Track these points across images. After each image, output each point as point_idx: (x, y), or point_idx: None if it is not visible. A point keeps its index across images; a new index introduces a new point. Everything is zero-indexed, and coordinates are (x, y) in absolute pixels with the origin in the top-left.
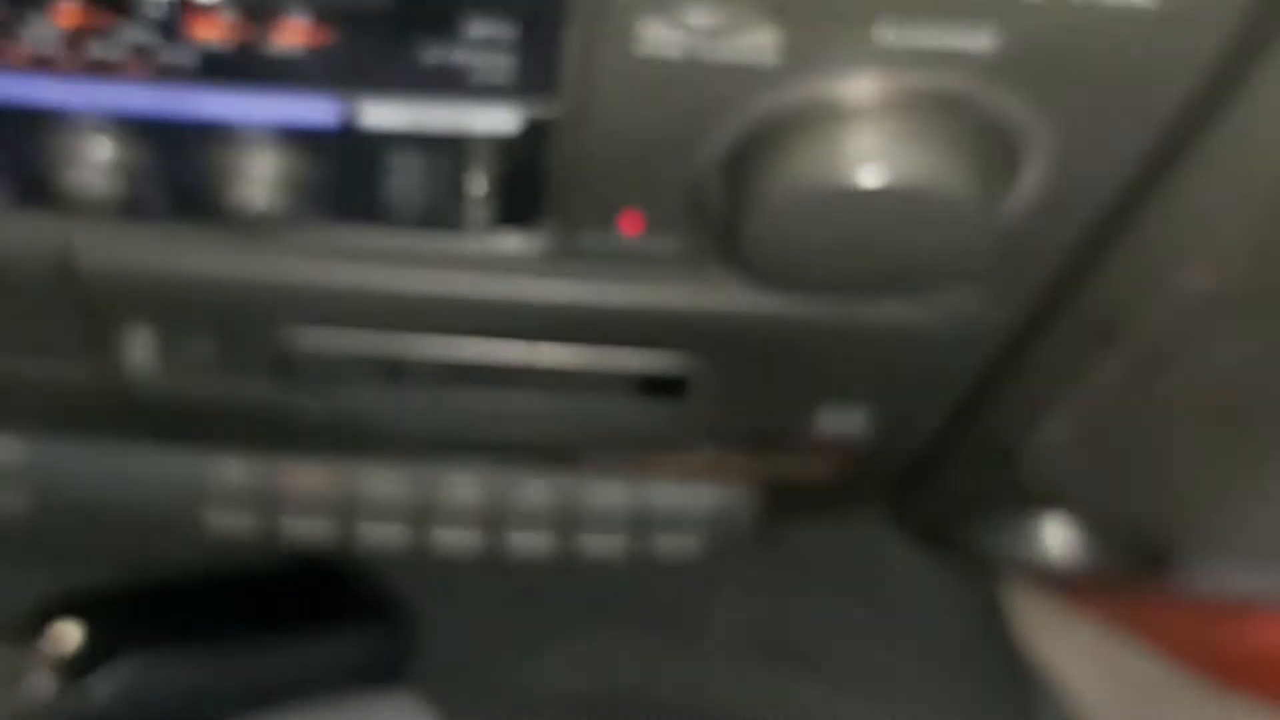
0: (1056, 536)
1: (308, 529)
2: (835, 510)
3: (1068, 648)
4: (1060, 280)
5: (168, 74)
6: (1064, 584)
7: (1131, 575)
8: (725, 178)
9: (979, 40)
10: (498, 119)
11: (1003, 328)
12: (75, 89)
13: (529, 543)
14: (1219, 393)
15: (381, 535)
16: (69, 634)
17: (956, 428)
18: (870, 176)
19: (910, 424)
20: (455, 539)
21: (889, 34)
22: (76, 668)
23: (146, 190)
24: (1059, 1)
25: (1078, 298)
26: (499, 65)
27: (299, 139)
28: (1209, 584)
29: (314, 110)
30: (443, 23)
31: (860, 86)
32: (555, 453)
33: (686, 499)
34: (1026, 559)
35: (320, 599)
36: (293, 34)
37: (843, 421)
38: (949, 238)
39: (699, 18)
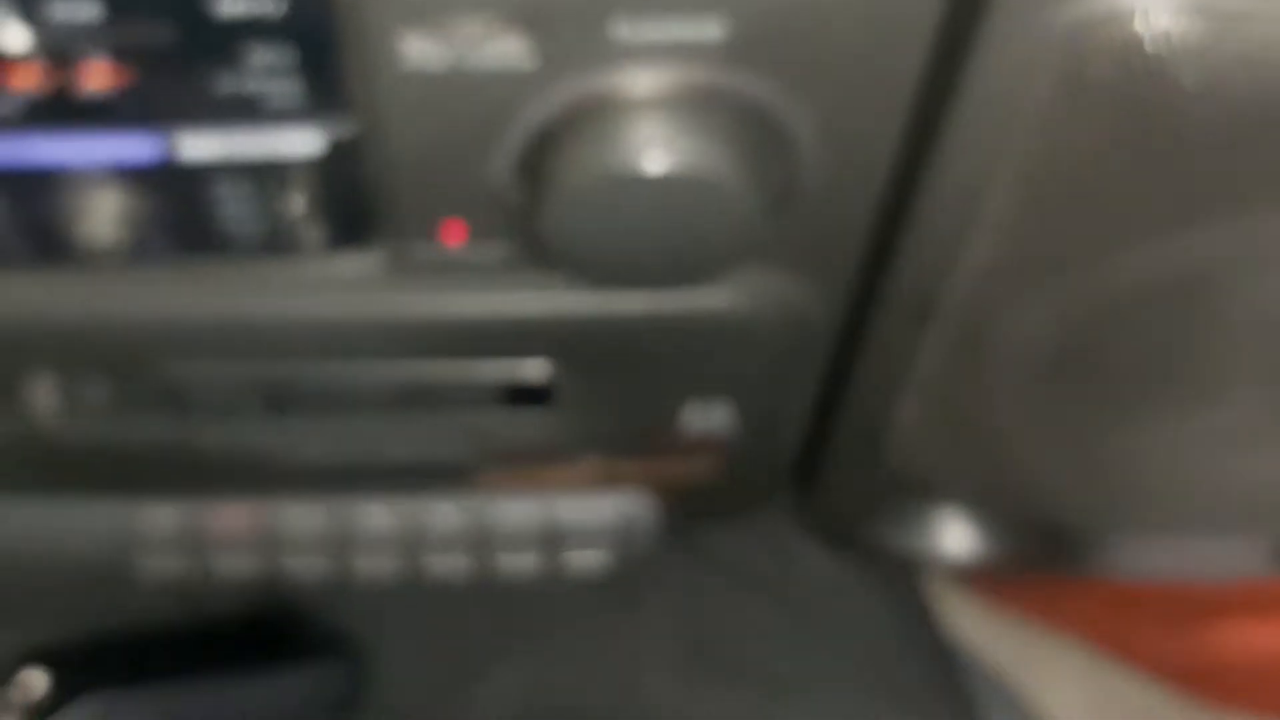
0: (954, 529)
1: (237, 566)
2: (738, 513)
3: (1040, 663)
4: (871, 263)
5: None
6: (983, 578)
7: (1041, 564)
8: (521, 179)
9: (708, 30)
10: (301, 142)
11: (831, 314)
12: None
13: (444, 564)
14: (1047, 362)
15: (306, 567)
16: (36, 681)
17: (826, 419)
18: (644, 163)
19: (774, 416)
20: (375, 565)
21: (623, 31)
22: (43, 712)
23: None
24: None
25: (890, 279)
26: (288, 90)
27: (129, 176)
28: (1125, 566)
29: (135, 148)
30: (225, 53)
31: (620, 82)
32: (446, 473)
33: (589, 511)
34: (927, 554)
35: (275, 641)
36: (98, 76)
37: (707, 418)
38: (722, 219)
39: (453, 30)
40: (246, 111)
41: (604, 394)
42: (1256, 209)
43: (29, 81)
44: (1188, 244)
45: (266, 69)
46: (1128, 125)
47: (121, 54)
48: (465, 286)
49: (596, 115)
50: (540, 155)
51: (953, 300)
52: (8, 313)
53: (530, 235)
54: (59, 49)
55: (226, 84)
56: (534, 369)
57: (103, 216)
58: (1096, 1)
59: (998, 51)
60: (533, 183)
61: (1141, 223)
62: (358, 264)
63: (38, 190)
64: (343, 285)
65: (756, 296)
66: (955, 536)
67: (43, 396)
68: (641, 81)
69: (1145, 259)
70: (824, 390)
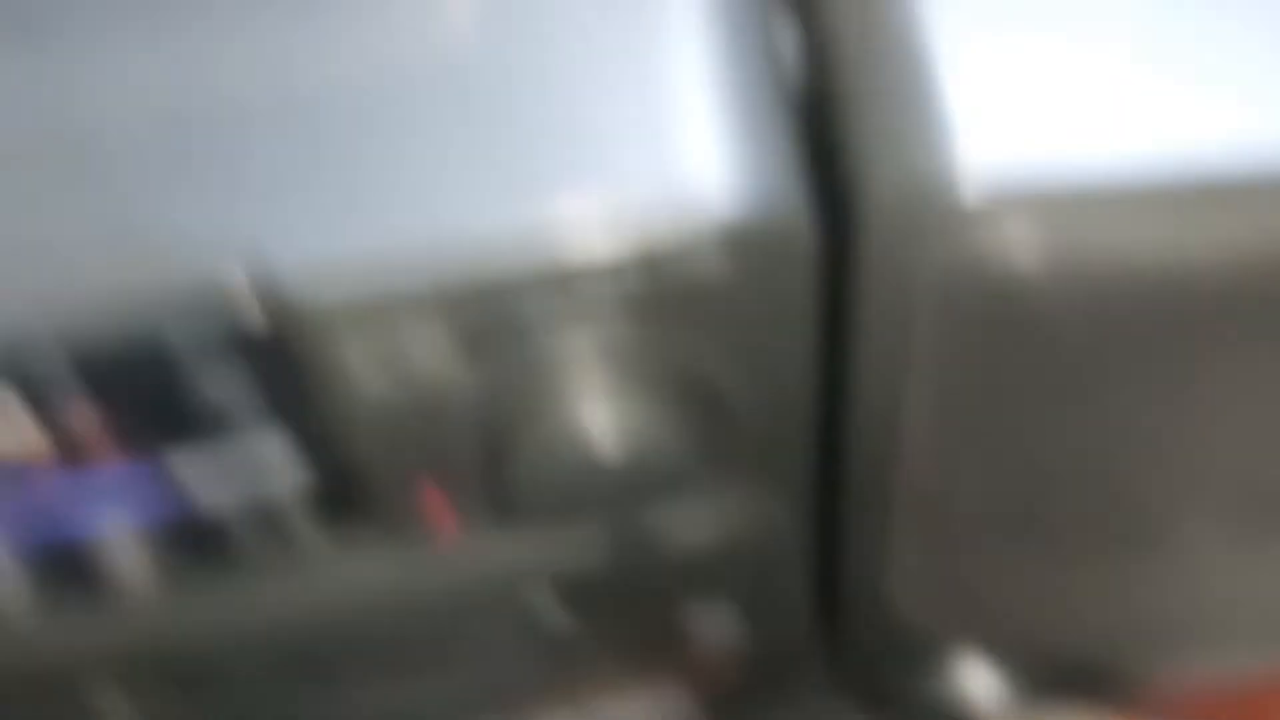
0: (981, 674)
1: None
2: (773, 692)
3: None
4: (823, 463)
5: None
6: None
7: (1081, 695)
8: (488, 463)
9: (621, 289)
10: (282, 455)
11: (799, 509)
12: None
13: None
14: (1005, 521)
15: None
16: None
17: (831, 594)
18: (594, 452)
19: (777, 605)
20: None
21: (536, 305)
22: None
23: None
24: (670, 255)
25: (844, 472)
26: (251, 400)
27: (140, 519)
28: (1163, 681)
29: (140, 492)
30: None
31: (555, 364)
32: (487, 708)
33: (632, 716)
34: (961, 702)
35: None
36: (98, 449)
37: (714, 620)
38: (675, 473)
39: (392, 344)
40: (228, 434)
41: (611, 621)
42: (1145, 387)
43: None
44: (1097, 420)
45: (241, 399)
46: (1009, 344)
47: (121, 431)
48: (462, 551)
49: (538, 406)
50: (499, 442)
51: (905, 482)
52: (61, 648)
53: (506, 505)
54: (68, 442)
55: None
56: (541, 610)
57: (125, 558)
58: (957, 246)
59: (877, 297)
60: (498, 464)
61: (1047, 414)
62: (359, 553)
63: (62, 553)
64: (349, 572)
65: (725, 517)
66: (984, 682)
67: (111, 711)
68: (573, 362)
69: (1062, 436)
70: (820, 562)
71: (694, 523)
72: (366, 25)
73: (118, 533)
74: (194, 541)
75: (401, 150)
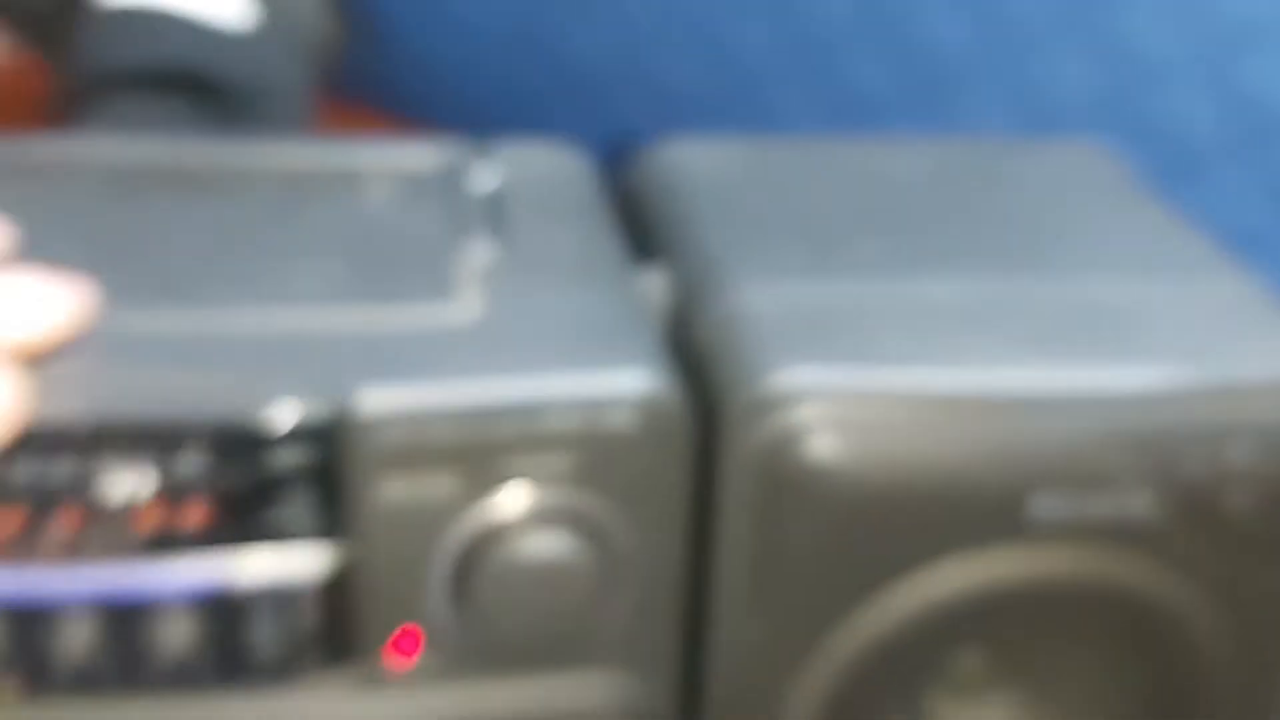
0: None
1: None
2: None
3: None
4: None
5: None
6: None
7: None
8: (453, 589)
9: (563, 463)
10: (314, 562)
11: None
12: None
13: None
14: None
15: None
16: None
17: None
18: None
19: None
20: None
21: (514, 465)
22: None
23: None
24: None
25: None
26: (309, 521)
27: (198, 602)
28: None
29: (203, 575)
30: (274, 492)
31: (508, 508)
32: None
33: None
34: None
35: None
36: (194, 515)
37: None
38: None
39: (416, 475)
40: (280, 537)
41: None
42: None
43: (151, 521)
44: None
45: (297, 503)
46: (820, 519)
47: (213, 497)
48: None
49: (494, 534)
50: (464, 564)
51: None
52: None
53: (460, 638)
54: (174, 493)
55: (270, 515)
56: None
57: (178, 644)
58: (775, 429)
59: (730, 471)
60: (459, 589)
61: (863, 591)
62: (346, 680)
63: (127, 620)
64: (335, 700)
65: (600, 690)
66: None
67: None
68: (521, 506)
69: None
70: None
71: (578, 688)
72: None
73: (172, 604)
74: (219, 637)
75: None
